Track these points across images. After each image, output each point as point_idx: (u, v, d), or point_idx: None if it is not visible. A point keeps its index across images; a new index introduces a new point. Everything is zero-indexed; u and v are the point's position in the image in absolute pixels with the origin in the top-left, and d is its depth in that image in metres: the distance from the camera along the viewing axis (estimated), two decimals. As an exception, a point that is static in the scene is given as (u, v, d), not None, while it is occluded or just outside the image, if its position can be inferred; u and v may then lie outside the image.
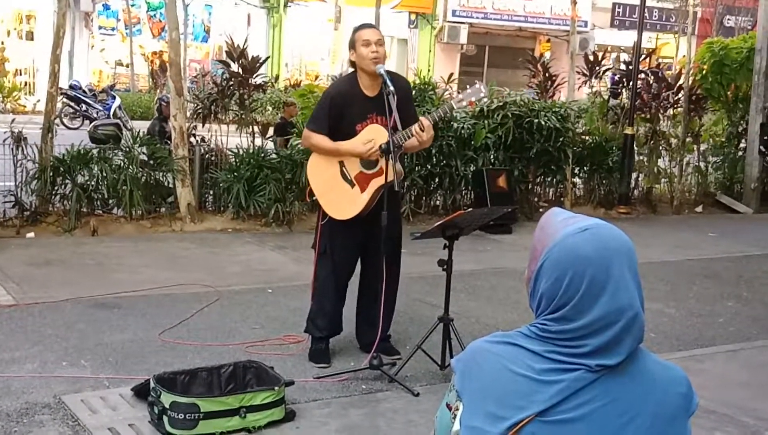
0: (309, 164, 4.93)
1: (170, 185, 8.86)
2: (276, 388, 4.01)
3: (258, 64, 9.48)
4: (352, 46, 4.73)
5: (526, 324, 1.63)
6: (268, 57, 13.52)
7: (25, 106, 21.20)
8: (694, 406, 1.60)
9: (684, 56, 12.89)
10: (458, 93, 4.99)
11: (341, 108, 4.73)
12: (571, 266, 1.54)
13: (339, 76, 9.35)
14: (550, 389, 1.52)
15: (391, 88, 4.52)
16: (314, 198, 4.88)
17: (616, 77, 13.28)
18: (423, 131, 4.58)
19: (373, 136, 4.64)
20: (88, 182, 8.40)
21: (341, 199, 4.75)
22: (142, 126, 12.23)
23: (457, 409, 1.61)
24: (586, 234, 1.56)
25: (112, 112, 18.80)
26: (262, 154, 9.05)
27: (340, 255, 4.84)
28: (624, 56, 20.82)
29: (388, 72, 4.67)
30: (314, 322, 4.95)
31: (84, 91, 19.97)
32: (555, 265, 1.56)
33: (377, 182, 4.65)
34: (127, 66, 25.79)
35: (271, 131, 12.51)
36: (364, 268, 5.01)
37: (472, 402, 1.58)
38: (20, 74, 24.80)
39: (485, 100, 4.81)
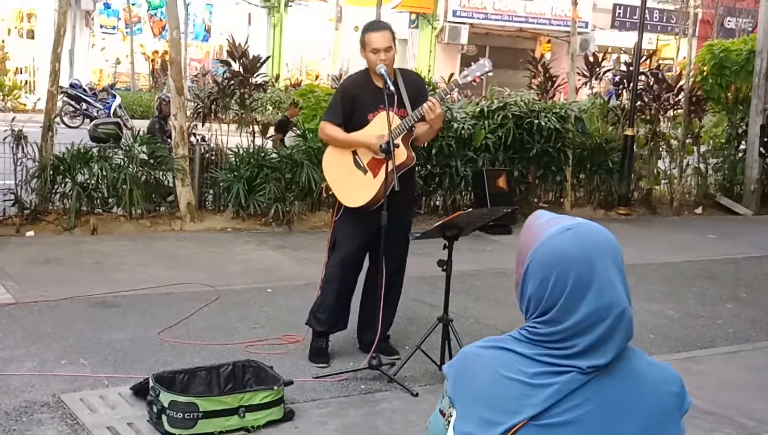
0: (324, 159, 5.02)
1: (170, 184, 8.86)
2: (275, 387, 4.01)
3: (259, 64, 9.48)
4: (363, 46, 4.82)
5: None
6: (269, 56, 13.52)
7: (25, 105, 21.22)
8: (687, 406, 1.61)
9: (684, 58, 12.87)
10: (464, 69, 5.06)
11: (353, 98, 4.86)
12: (556, 266, 1.55)
13: (338, 76, 9.36)
14: (542, 393, 1.52)
15: (391, 88, 4.63)
16: (331, 192, 4.95)
17: (617, 78, 13.25)
18: (431, 107, 4.63)
19: (383, 124, 4.68)
20: (88, 181, 8.39)
21: (355, 186, 4.81)
22: (142, 125, 12.24)
23: (450, 416, 1.62)
24: (569, 233, 1.57)
25: (112, 111, 18.82)
26: (263, 154, 9.05)
27: (346, 249, 4.87)
28: (624, 57, 20.81)
29: (402, 69, 4.88)
30: (315, 314, 4.95)
31: (84, 90, 19.99)
32: (540, 266, 1.57)
33: (389, 166, 4.70)
34: (118, 63, 25.81)
35: (272, 130, 12.50)
36: (369, 267, 5.03)
37: (465, 408, 1.58)
38: (21, 73, 24.82)
39: (490, 73, 4.90)
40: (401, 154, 4.69)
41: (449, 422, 1.62)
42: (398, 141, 4.67)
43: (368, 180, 4.78)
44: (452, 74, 11.94)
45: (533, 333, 1.57)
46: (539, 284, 1.56)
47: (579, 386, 1.52)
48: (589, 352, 1.53)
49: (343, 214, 4.86)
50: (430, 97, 4.75)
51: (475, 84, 5.04)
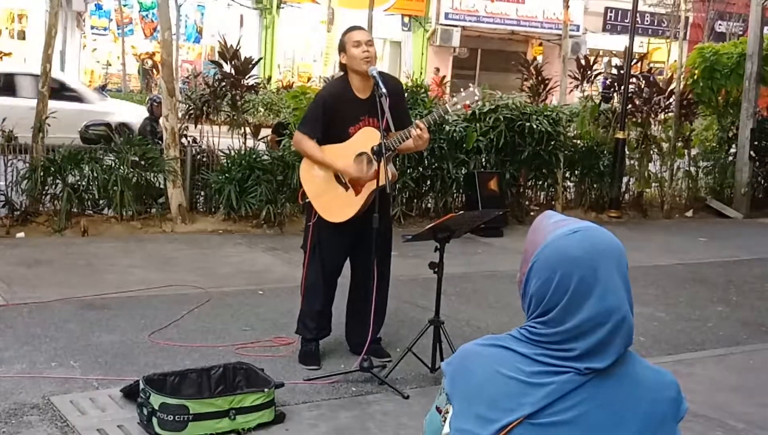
0: (302, 167, 4.93)
1: (161, 186, 8.84)
2: (266, 389, 4.01)
3: (251, 66, 9.47)
4: (343, 48, 4.74)
5: (516, 327, 1.64)
6: (260, 58, 13.49)
7: (16, 106, 21.09)
8: (683, 412, 1.61)
9: (675, 61, 12.91)
10: (452, 96, 4.99)
11: (334, 111, 4.73)
12: (560, 267, 1.55)
13: (331, 78, 9.33)
14: (539, 392, 1.52)
15: (384, 90, 4.52)
16: (307, 200, 4.86)
17: (608, 81, 13.29)
18: (419, 134, 4.59)
19: (366, 140, 4.65)
20: (79, 182, 8.37)
21: (336, 202, 4.75)
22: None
23: (447, 412, 1.62)
24: (576, 236, 1.57)
25: (103, 113, 18.71)
26: (254, 156, 9.04)
27: (330, 255, 4.85)
28: (616, 60, 20.86)
29: (381, 73, 4.66)
30: (304, 323, 4.95)
31: (75, 91, 19.87)
32: (544, 265, 1.57)
33: (372, 185, 4.65)
34: (109, 65, 25.76)
35: (263, 132, 12.47)
36: (354, 269, 5.01)
37: (461, 405, 1.58)
38: (11, 73, 24.66)
39: (479, 103, 4.86)
40: (388, 173, 4.55)
41: (446, 419, 1.62)
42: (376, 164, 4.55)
43: (350, 197, 4.73)
44: (444, 77, 11.94)
45: (533, 333, 1.58)
46: (542, 284, 1.57)
47: (576, 387, 1.53)
48: (588, 356, 1.53)
49: (319, 220, 4.78)
50: (417, 122, 4.62)
51: (464, 112, 4.97)
